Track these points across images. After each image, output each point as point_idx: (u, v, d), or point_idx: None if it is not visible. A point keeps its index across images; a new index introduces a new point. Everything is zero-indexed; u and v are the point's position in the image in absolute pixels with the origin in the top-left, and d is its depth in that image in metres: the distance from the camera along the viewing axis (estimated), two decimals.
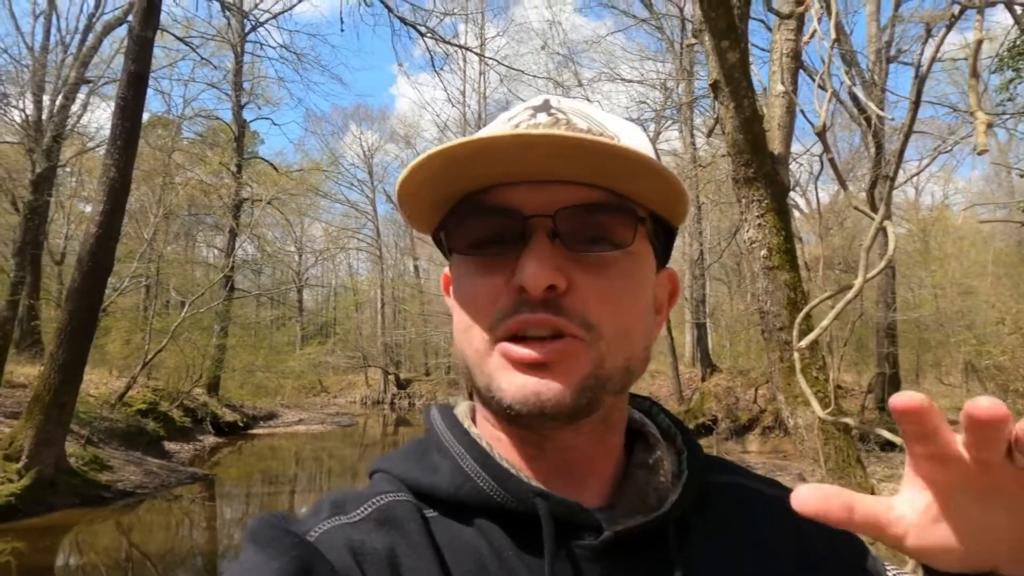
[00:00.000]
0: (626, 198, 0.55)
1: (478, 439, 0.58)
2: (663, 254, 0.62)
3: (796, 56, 3.62)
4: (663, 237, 0.61)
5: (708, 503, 0.60)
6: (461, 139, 0.49)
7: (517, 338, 0.53)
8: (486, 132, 0.56)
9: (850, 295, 2.40)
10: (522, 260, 0.52)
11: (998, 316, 12.52)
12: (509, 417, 0.53)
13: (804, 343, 2.42)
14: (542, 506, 0.51)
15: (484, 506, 0.53)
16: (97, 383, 13.75)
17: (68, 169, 20.31)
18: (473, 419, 0.63)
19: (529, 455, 0.57)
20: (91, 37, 17.39)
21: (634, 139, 0.60)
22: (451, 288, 0.61)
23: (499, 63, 16.54)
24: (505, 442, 0.58)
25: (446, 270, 0.66)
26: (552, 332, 0.52)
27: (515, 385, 0.52)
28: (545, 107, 0.58)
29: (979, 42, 1.45)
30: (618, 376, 0.55)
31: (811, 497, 0.39)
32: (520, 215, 0.53)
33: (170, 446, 13.59)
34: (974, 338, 13.84)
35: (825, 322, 2.39)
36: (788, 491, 0.67)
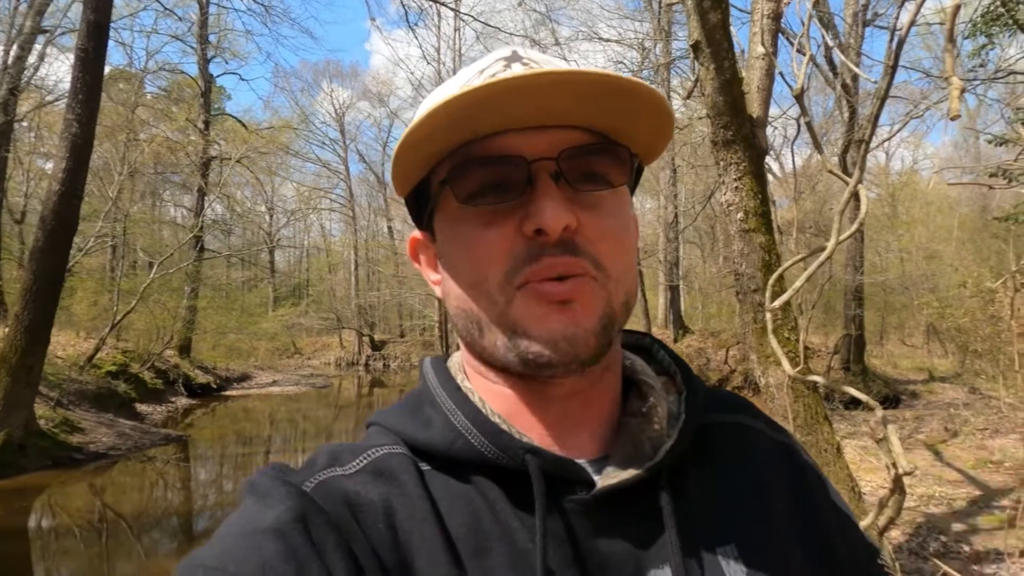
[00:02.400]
0: (613, 139, 0.55)
1: (470, 393, 0.58)
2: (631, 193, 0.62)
3: (777, 18, 3.61)
4: (634, 176, 0.61)
5: (708, 444, 0.60)
6: (495, 78, 0.47)
7: (539, 281, 0.52)
8: (463, 83, 0.55)
9: (823, 257, 2.45)
10: (537, 203, 0.51)
11: (960, 280, 12.89)
12: (537, 366, 0.53)
13: (776, 304, 2.47)
14: (532, 462, 0.52)
15: (477, 462, 0.53)
16: (64, 345, 13.51)
17: (26, 124, 19.56)
18: (467, 372, 0.62)
19: (529, 407, 0.57)
20: None
21: None
22: (443, 247, 0.59)
23: (475, 19, 16.13)
24: (502, 395, 0.58)
25: (415, 233, 0.64)
26: (570, 274, 0.52)
27: (546, 332, 0.52)
28: (517, 58, 0.57)
29: (957, 7, 1.46)
30: (622, 314, 0.56)
31: None
32: (523, 160, 0.52)
33: (142, 408, 13.48)
34: (937, 301, 14.25)
35: (797, 283, 2.44)
36: (789, 435, 0.68)
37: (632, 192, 0.62)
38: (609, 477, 0.54)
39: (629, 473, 0.53)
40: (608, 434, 0.59)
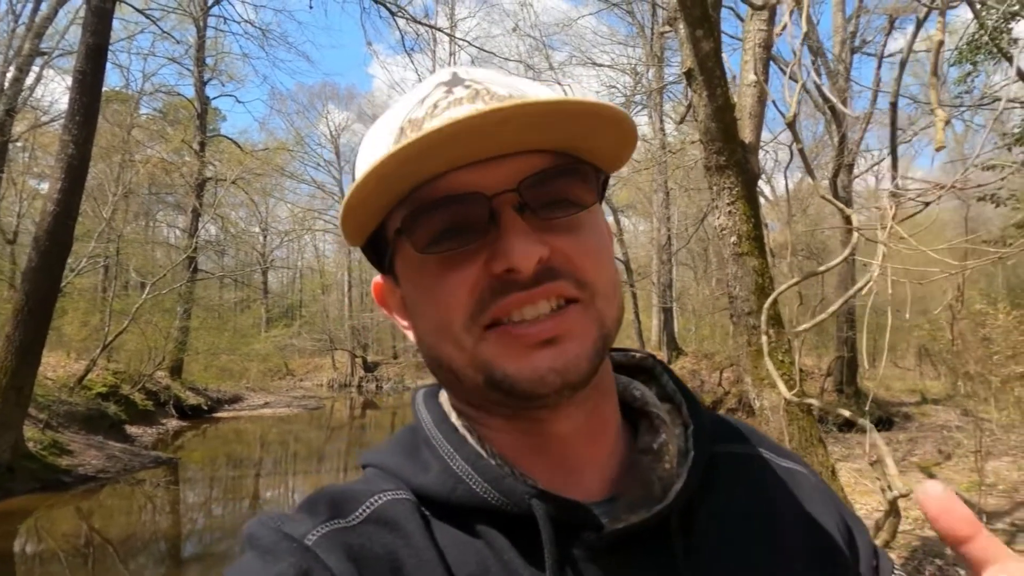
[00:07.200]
0: (576, 157, 0.52)
1: (468, 433, 0.55)
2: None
3: (768, 47, 3.69)
4: (602, 186, 0.58)
5: (716, 477, 0.57)
6: (422, 132, 0.44)
7: (513, 322, 0.50)
8: (404, 116, 0.53)
9: (856, 287, 2.47)
10: (503, 242, 0.48)
11: (949, 302, 12.94)
12: (525, 399, 0.50)
13: (801, 329, 2.50)
14: (539, 508, 0.49)
15: (480, 508, 0.50)
16: (55, 366, 13.39)
17: (20, 144, 19.57)
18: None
19: (526, 445, 0.55)
20: (45, 7, 16.69)
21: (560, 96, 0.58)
22: (408, 292, 0.56)
23: (470, 44, 16.33)
24: (499, 433, 0.55)
25: (377, 279, 0.61)
26: (551, 305, 0.50)
27: (528, 368, 0.49)
28: (457, 80, 0.54)
29: (940, 43, 1.51)
30: (615, 331, 0.54)
31: (937, 502, 0.38)
32: (483, 197, 0.49)
33: (132, 430, 13.33)
34: (928, 323, 14.32)
35: (827, 312, 2.47)
36: (798, 459, 0.66)
37: (600, 201, 0.59)
38: (618, 520, 0.51)
39: (639, 516, 0.51)
40: (615, 472, 0.57)
